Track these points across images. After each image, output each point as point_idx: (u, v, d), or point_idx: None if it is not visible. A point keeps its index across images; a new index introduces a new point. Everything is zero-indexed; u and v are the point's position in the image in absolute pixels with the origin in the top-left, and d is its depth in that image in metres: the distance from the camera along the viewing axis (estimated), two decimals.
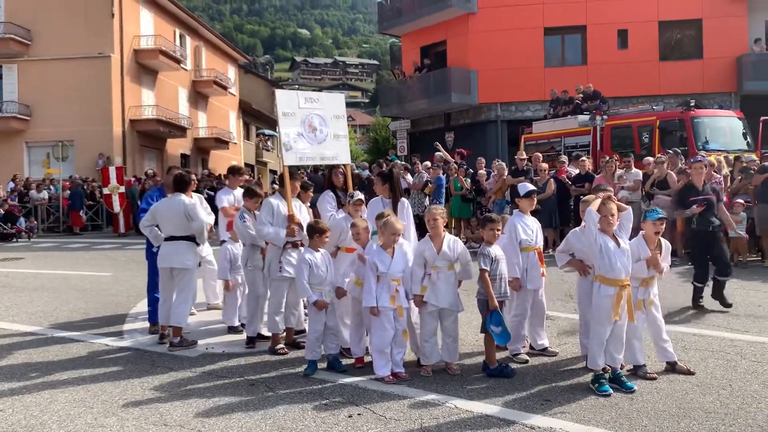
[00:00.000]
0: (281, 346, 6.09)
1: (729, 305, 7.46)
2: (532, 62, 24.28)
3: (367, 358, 5.57)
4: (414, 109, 26.33)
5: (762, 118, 15.48)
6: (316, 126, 6.58)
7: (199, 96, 35.82)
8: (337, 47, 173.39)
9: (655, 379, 5.02)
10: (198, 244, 6.53)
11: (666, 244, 5.34)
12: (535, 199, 6.15)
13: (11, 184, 23.15)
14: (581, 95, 18.63)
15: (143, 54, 28.90)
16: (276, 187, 7.87)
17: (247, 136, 45.76)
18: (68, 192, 22.20)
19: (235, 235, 7.05)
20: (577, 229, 5.69)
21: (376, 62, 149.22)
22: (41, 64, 27.10)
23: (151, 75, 30.36)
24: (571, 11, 24.08)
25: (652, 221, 5.22)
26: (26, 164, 27.69)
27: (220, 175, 28.95)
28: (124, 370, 5.66)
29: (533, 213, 6.12)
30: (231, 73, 41.03)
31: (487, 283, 5.20)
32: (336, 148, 6.75)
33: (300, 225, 6.13)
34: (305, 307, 6.46)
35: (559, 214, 12.72)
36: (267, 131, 48.93)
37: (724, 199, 11.45)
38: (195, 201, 6.54)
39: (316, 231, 5.63)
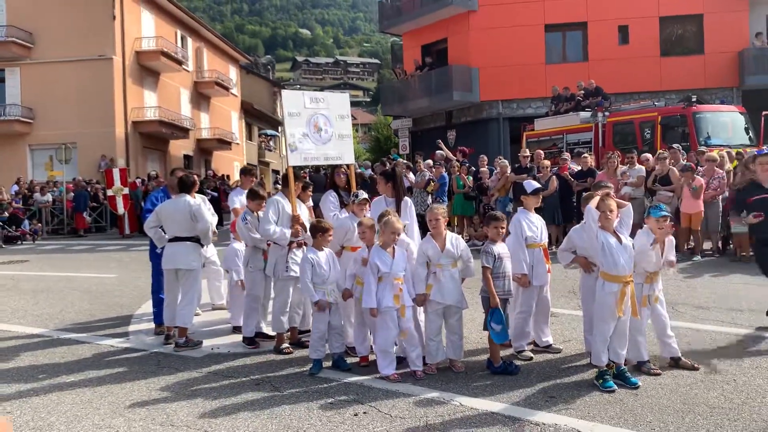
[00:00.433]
0: (286, 345, 6.12)
1: None
2: (533, 59, 24.27)
3: (371, 357, 5.59)
4: (416, 107, 26.34)
5: (764, 112, 15.43)
6: (321, 126, 6.58)
7: (201, 97, 35.89)
8: (338, 47, 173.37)
9: (659, 374, 5.02)
10: (202, 245, 6.56)
11: (670, 239, 5.34)
12: (541, 197, 6.17)
13: (15, 187, 23.21)
14: (582, 92, 18.62)
15: (145, 55, 28.96)
16: (279, 187, 7.89)
17: (250, 137, 45.82)
18: (72, 194, 22.27)
19: (238, 235, 7.08)
20: (578, 226, 5.70)
21: (377, 61, 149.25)
22: (43, 66, 27.17)
23: (153, 76, 30.41)
24: (572, 8, 24.06)
25: (656, 218, 5.22)
26: (30, 167, 27.77)
27: (223, 175, 29.06)
28: (130, 371, 5.69)
29: (536, 210, 6.14)
30: (232, 73, 41.09)
31: (488, 280, 5.22)
32: (340, 148, 6.75)
33: (303, 225, 6.15)
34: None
35: (562, 211, 12.73)
36: (269, 131, 49.00)
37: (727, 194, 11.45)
38: (199, 202, 6.57)
39: (318, 230, 5.65)
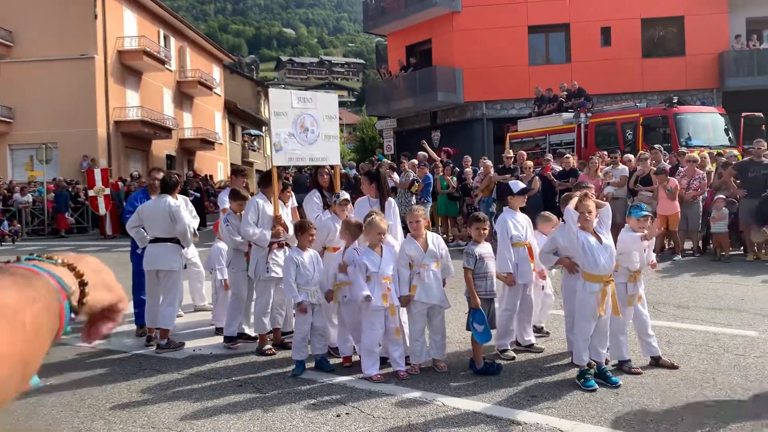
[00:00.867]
0: (269, 346, 6.09)
1: None
2: (516, 60, 24.38)
3: (354, 357, 5.59)
4: (400, 108, 26.36)
5: (743, 113, 15.67)
6: (308, 126, 6.50)
7: (184, 97, 35.62)
8: (322, 46, 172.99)
9: (640, 374, 5.07)
10: (183, 247, 6.52)
11: (651, 240, 5.39)
12: (526, 197, 6.21)
13: None
14: (565, 93, 18.76)
15: (127, 55, 28.66)
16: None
17: (233, 137, 45.55)
18: (53, 194, 22.01)
19: (221, 237, 7.03)
20: (559, 227, 5.74)
21: (362, 61, 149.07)
22: (24, 65, 26.78)
23: (136, 76, 30.13)
24: (555, 9, 24.20)
25: (636, 218, 5.28)
26: (9, 167, 27.38)
27: (206, 176, 28.88)
28: (111, 372, 5.64)
29: (520, 209, 6.17)
30: (216, 73, 40.83)
31: (469, 281, 5.25)
32: (326, 149, 6.66)
33: (285, 226, 6.12)
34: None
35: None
36: (253, 131, 48.74)
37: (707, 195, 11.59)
38: (180, 203, 6.52)
39: (300, 229, 5.64)
